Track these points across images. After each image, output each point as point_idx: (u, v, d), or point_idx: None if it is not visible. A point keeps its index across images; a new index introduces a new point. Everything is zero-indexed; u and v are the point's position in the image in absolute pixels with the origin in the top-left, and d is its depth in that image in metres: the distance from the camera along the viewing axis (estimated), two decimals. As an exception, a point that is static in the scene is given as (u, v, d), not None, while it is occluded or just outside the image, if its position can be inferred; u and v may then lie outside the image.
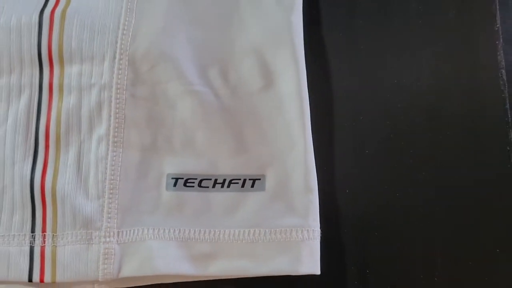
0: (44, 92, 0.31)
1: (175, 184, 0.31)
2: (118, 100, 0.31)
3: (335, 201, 0.33)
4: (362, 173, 0.33)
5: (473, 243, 0.32)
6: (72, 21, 0.31)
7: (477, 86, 0.34)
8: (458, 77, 0.34)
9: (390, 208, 0.33)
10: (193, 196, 0.31)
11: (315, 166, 0.31)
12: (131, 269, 0.29)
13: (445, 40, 0.35)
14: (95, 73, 0.31)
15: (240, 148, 0.31)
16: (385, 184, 0.33)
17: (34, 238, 0.29)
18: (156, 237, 0.30)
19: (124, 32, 0.31)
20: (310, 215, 0.30)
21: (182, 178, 0.31)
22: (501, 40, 0.34)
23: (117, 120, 0.31)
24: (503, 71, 0.34)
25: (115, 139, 0.30)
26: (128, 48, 0.31)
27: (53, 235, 0.29)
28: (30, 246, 0.29)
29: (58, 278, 0.29)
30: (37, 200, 0.29)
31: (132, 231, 0.30)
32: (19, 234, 0.29)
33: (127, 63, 0.31)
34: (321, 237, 0.30)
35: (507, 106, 0.33)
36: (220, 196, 0.31)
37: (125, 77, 0.31)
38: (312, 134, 0.31)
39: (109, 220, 0.30)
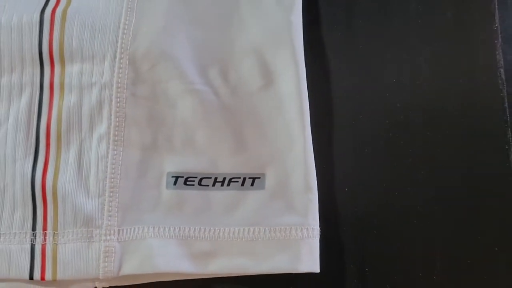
0: (45, 91, 0.31)
1: (175, 183, 0.31)
2: (118, 99, 0.31)
3: (335, 200, 0.33)
4: (362, 172, 0.33)
5: (472, 242, 0.32)
6: (73, 20, 0.31)
7: (476, 85, 0.34)
8: (457, 76, 0.34)
9: (389, 207, 0.33)
10: (193, 194, 0.31)
11: (314, 165, 0.31)
12: (132, 267, 0.29)
13: (444, 40, 0.35)
14: (95, 72, 0.31)
15: (240, 147, 0.31)
16: (384, 183, 0.33)
17: (35, 236, 0.29)
18: (157, 235, 0.30)
19: (125, 31, 0.31)
20: (309, 214, 0.30)
21: (182, 177, 0.31)
22: (500, 40, 0.34)
23: (117, 119, 0.31)
24: (502, 70, 0.34)
25: (116, 137, 0.31)
26: (128, 48, 0.31)
27: (54, 233, 0.30)
28: (31, 244, 0.29)
29: (59, 276, 0.29)
30: (38, 198, 0.30)
31: (132, 229, 0.30)
32: (20, 232, 0.30)
33: (127, 62, 0.31)
34: (320, 235, 0.30)
35: (506, 105, 0.33)
36: (220, 195, 0.31)
37: (126, 76, 0.31)
38: (311, 133, 0.32)
39: (109, 218, 0.30)
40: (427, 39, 0.35)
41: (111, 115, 0.31)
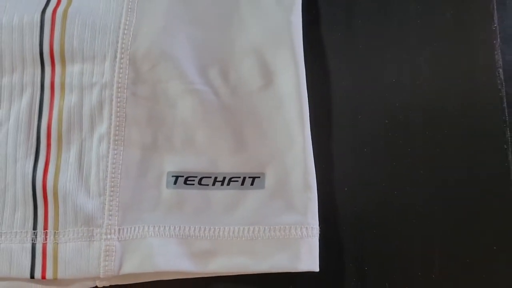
0: (46, 91, 0.31)
1: (175, 182, 0.31)
2: (119, 99, 0.31)
3: (334, 199, 0.33)
4: (361, 172, 0.33)
5: (470, 241, 0.32)
6: (74, 20, 0.31)
7: (475, 85, 0.34)
8: (456, 76, 0.34)
9: (388, 206, 0.33)
10: (193, 194, 0.31)
11: (314, 165, 0.31)
12: (132, 266, 0.30)
13: (444, 40, 0.35)
14: (96, 72, 0.31)
15: (240, 146, 0.32)
16: (384, 182, 0.33)
17: (36, 235, 0.30)
18: (157, 235, 0.30)
19: (125, 31, 0.32)
20: (309, 213, 0.30)
21: (182, 176, 0.31)
22: (499, 40, 0.34)
23: (118, 118, 0.31)
24: (501, 70, 0.34)
25: (116, 137, 0.31)
26: (129, 48, 0.31)
27: (55, 232, 0.30)
28: (32, 243, 0.30)
29: (60, 275, 0.29)
30: (39, 198, 0.30)
31: (133, 228, 0.30)
32: (21, 231, 0.30)
33: (128, 62, 0.31)
34: (320, 234, 0.30)
35: (505, 105, 0.33)
36: (220, 194, 0.31)
37: (126, 76, 0.31)
38: (311, 132, 0.32)
39: (110, 217, 0.30)
40: (427, 39, 0.35)
41: (111, 115, 0.31)
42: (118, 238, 0.30)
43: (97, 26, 0.31)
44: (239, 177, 0.31)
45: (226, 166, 0.31)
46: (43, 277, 0.29)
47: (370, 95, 0.35)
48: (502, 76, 0.34)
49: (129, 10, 0.32)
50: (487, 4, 0.35)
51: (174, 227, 0.30)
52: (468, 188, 0.33)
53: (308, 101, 0.32)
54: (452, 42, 0.35)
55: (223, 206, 0.31)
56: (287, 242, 0.30)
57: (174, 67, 0.31)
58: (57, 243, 0.30)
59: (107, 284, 0.30)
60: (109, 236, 0.30)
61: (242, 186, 0.31)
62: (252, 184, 0.31)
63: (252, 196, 0.31)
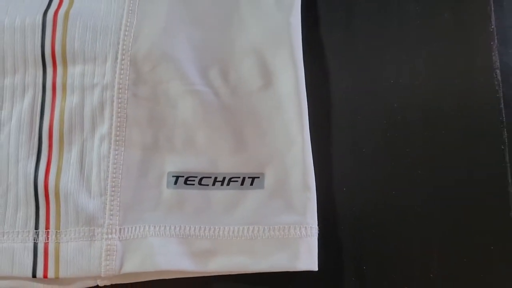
0: (47, 92, 0.31)
1: (175, 182, 0.31)
2: (120, 100, 0.31)
3: (333, 199, 0.33)
4: (360, 172, 0.34)
5: (468, 241, 0.32)
6: (75, 22, 0.31)
7: (473, 86, 0.34)
8: (454, 77, 0.34)
9: (387, 206, 0.33)
10: (193, 194, 0.31)
11: (313, 165, 0.31)
12: (133, 265, 0.30)
13: (442, 41, 0.35)
14: (97, 73, 0.31)
15: (239, 147, 0.32)
16: (382, 182, 0.33)
17: (37, 234, 0.30)
18: (157, 234, 0.30)
19: (126, 33, 0.32)
20: (308, 213, 0.31)
21: (183, 176, 0.31)
22: (496, 41, 0.35)
23: (119, 119, 0.31)
24: (498, 71, 0.34)
25: (117, 138, 0.31)
26: (130, 49, 0.31)
27: (57, 232, 0.30)
28: (34, 242, 0.30)
29: (61, 274, 0.29)
30: (41, 198, 0.30)
31: (133, 228, 0.30)
32: (23, 231, 0.30)
33: (129, 64, 0.31)
34: (318, 234, 0.31)
35: (502, 105, 0.34)
36: (220, 194, 0.31)
37: (127, 77, 0.31)
38: (310, 133, 0.32)
39: (111, 217, 0.30)
40: (425, 40, 0.35)
41: (112, 115, 0.31)
42: (119, 237, 0.30)
43: (98, 27, 0.32)
44: (239, 177, 0.31)
45: (226, 166, 0.31)
46: (45, 276, 0.29)
47: (368, 95, 0.35)
48: (499, 77, 0.34)
49: (130, 11, 0.32)
50: (485, 5, 0.35)
51: (175, 227, 0.30)
52: (466, 188, 0.33)
53: (307, 101, 0.32)
54: (450, 43, 0.35)
55: (223, 206, 0.31)
56: (286, 241, 0.30)
57: (175, 68, 0.32)
58: (59, 243, 0.30)
59: (108, 283, 0.31)
60: (110, 236, 0.30)
61: (241, 186, 0.31)
62: (251, 184, 0.31)
63: (251, 196, 0.31)
